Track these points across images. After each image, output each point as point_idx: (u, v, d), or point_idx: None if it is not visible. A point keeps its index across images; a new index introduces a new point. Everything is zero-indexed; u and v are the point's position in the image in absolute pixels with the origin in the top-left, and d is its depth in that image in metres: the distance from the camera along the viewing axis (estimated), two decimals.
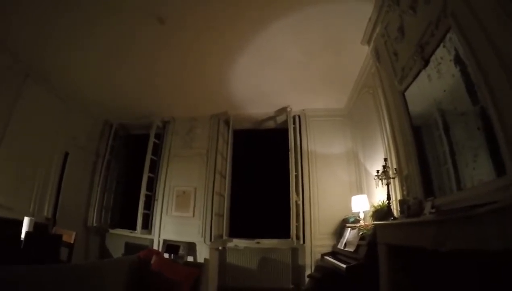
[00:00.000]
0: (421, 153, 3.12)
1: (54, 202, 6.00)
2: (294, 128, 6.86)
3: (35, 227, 3.85)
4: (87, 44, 4.86)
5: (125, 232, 6.84)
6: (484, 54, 2.04)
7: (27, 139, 5.31)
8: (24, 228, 3.68)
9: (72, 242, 4.58)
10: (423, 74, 2.93)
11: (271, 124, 7.51)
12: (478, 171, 2.24)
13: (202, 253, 6.25)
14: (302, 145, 6.81)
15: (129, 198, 7.42)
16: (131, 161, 8.00)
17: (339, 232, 5.64)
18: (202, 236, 6.40)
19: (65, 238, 4.31)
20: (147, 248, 5.22)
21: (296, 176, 6.46)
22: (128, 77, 5.85)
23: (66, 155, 6.44)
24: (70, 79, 5.88)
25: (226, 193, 6.73)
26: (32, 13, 4.14)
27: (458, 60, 2.35)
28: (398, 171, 3.78)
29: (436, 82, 2.73)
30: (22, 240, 3.38)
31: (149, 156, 7.20)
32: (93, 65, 5.45)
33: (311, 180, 6.51)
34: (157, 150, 7.48)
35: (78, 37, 4.67)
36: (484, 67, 2.05)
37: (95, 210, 7.05)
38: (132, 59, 5.27)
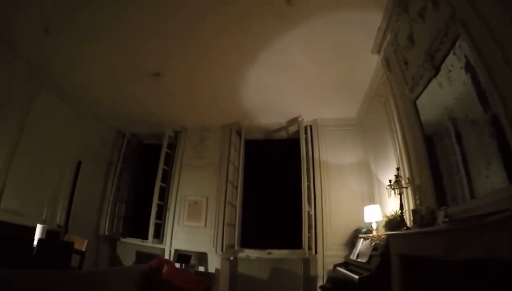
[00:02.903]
0: (434, 161, 3.08)
1: (67, 209, 6.08)
2: (306, 139, 6.84)
3: (48, 234, 3.92)
4: (99, 54, 5.00)
5: (136, 241, 6.87)
6: (494, 61, 2.01)
7: (41, 147, 5.43)
8: (37, 235, 3.76)
9: (83, 249, 4.64)
10: (434, 82, 2.91)
11: (283, 134, 7.52)
12: (491, 179, 2.20)
13: (213, 263, 6.23)
14: (314, 155, 6.78)
15: (140, 207, 7.45)
16: (143, 170, 8.08)
17: (351, 242, 5.56)
18: (213, 246, 6.39)
19: (76, 246, 4.36)
20: (157, 257, 5.24)
21: (308, 186, 6.42)
22: (140, 88, 5.97)
23: (79, 163, 6.53)
24: (83, 89, 6.02)
25: (238, 203, 6.73)
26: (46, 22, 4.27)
27: (468, 68, 2.33)
28: (411, 180, 3.73)
29: (447, 90, 2.70)
30: (34, 247, 3.44)
31: (161, 166, 7.26)
32: (105, 75, 5.60)
33: (323, 190, 6.47)
34: (169, 160, 7.54)
35: (91, 50, 4.84)
36: (494, 74, 2.02)
37: (107, 219, 7.11)
38: (144, 67, 5.35)
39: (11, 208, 4.77)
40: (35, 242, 3.56)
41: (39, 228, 3.85)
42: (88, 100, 6.48)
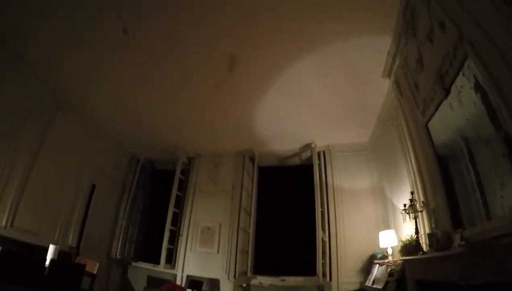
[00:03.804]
0: (448, 183, 3.03)
1: (79, 231, 6.13)
2: (319, 164, 6.83)
3: (60, 255, 3.96)
4: (113, 79, 5.22)
5: (148, 266, 6.86)
6: (504, 79, 2.01)
7: (56, 168, 5.57)
8: (49, 255, 3.80)
9: (94, 272, 4.66)
10: (444, 104, 2.91)
11: (296, 160, 7.53)
12: (506, 199, 2.15)
13: (226, 290, 6.14)
14: (328, 181, 6.74)
15: (153, 232, 7.49)
16: (157, 195, 8.14)
17: (366, 268, 5.44)
18: (226, 273, 6.33)
19: (88, 268, 4.39)
20: (169, 282, 5.19)
21: (322, 212, 6.34)
22: (154, 114, 6.18)
23: (93, 186, 6.64)
24: (99, 113, 6.25)
25: (251, 229, 6.69)
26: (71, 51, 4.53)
27: (478, 88, 2.33)
28: (426, 204, 3.67)
29: (458, 111, 2.70)
30: (46, 267, 3.46)
31: (174, 192, 7.32)
32: (120, 101, 5.82)
33: (337, 215, 6.38)
34: (182, 186, 7.60)
35: (104, 74, 5.10)
36: (504, 92, 2.02)
37: (119, 242, 7.13)
38: (158, 93, 5.53)
39: (24, 227, 4.85)
40: (47, 262, 3.59)
41: (51, 248, 3.90)
42: (104, 125, 6.68)
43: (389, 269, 4.18)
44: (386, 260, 4.51)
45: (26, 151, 4.96)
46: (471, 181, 2.58)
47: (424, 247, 3.54)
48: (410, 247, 3.81)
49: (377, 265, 4.82)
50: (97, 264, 4.82)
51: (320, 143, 6.95)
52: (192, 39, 4.28)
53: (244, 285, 6.19)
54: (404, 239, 4.19)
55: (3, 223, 4.54)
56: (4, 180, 4.58)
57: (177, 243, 7.00)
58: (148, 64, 4.82)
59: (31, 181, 5.01)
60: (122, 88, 5.45)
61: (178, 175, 7.49)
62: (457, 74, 2.59)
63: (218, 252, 6.63)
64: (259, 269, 6.44)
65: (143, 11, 3.89)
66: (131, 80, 5.22)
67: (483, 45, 2.18)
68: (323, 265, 5.85)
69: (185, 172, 7.79)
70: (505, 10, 1.91)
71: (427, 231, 3.60)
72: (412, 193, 3.96)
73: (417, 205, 3.80)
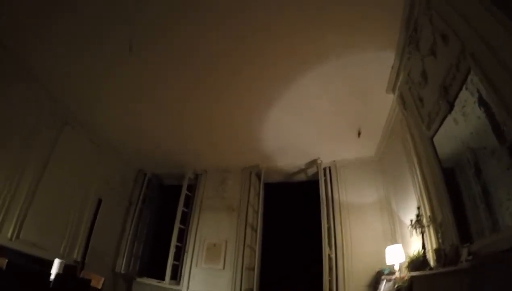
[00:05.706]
0: (455, 196, 3.00)
1: (85, 245, 6.13)
2: (325, 180, 6.78)
3: (65, 269, 3.95)
4: (120, 94, 5.32)
5: (153, 281, 6.83)
6: (508, 93, 2.01)
7: (63, 183, 5.63)
8: (55, 269, 3.79)
9: (99, 287, 4.61)
10: (449, 118, 2.91)
11: (302, 176, 7.51)
12: None
13: None
14: (334, 197, 6.68)
15: (158, 247, 7.46)
16: (163, 210, 8.15)
17: (374, 284, 5.32)
18: (232, 290, 6.25)
19: (93, 283, 4.35)
20: None
21: (328, 228, 6.27)
22: (161, 129, 6.25)
23: (100, 201, 6.66)
24: (106, 128, 6.38)
25: (257, 246, 6.63)
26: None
27: (482, 102, 2.34)
28: (432, 218, 3.64)
29: (462, 125, 2.70)
30: (51, 281, 3.46)
31: (180, 208, 7.32)
32: (127, 116, 5.91)
33: (343, 231, 6.29)
34: (188, 202, 7.60)
35: (109, 88, 5.20)
36: (508, 106, 2.01)
37: (124, 257, 7.11)
38: (164, 108, 5.61)
39: (30, 240, 4.90)
40: (52, 276, 3.58)
41: (56, 262, 3.89)
42: (111, 139, 6.78)
43: (396, 285, 4.11)
44: (394, 276, 4.44)
45: (33, 165, 5.03)
46: (478, 194, 2.56)
47: (432, 262, 3.50)
48: (418, 263, 3.76)
49: (385, 280, 4.74)
50: (102, 279, 4.78)
51: (326, 159, 6.93)
52: (199, 55, 4.35)
53: None
54: (411, 254, 4.14)
55: (9, 235, 4.57)
56: (11, 193, 4.64)
57: (183, 259, 6.97)
58: (155, 80, 4.91)
59: (38, 194, 5.07)
60: (129, 103, 5.53)
61: (184, 191, 7.51)
62: (461, 88, 2.60)
63: (224, 269, 6.58)
64: (265, 286, 6.37)
65: (151, 26, 3.98)
66: (138, 95, 5.31)
67: (486, 58, 2.19)
68: (330, 282, 5.75)
69: (192, 188, 7.80)
70: (507, 23, 1.93)
71: (434, 245, 3.56)
72: (418, 208, 3.93)
73: (424, 220, 3.77)
